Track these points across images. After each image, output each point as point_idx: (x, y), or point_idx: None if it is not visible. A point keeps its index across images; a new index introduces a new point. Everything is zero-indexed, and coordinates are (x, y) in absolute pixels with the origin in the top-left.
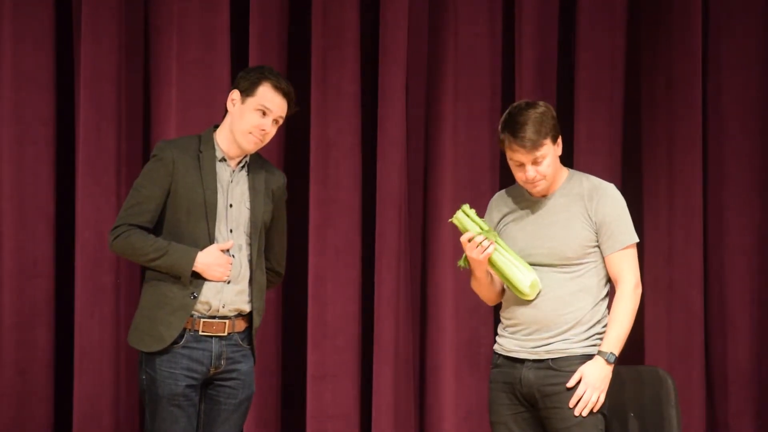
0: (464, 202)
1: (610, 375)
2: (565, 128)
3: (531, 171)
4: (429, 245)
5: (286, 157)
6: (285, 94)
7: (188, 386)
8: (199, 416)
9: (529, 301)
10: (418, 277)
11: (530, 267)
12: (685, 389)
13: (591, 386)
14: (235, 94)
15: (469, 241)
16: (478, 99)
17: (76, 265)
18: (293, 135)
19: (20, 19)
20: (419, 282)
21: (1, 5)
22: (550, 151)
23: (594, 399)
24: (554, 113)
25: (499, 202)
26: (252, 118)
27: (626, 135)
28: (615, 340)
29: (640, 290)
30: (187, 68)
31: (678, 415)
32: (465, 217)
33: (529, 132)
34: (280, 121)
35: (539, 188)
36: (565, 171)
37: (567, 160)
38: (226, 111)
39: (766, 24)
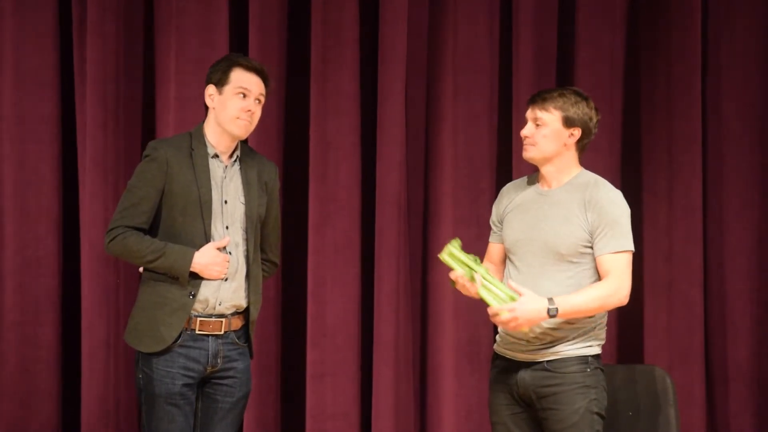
0: (455, 237)
1: (537, 322)
2: None
3: (528, 128)
4: (429, 244)
5: (286, 156)
6: (258, 72)
7: (185, 385)
8: (196, 415)
9: None
10: (418, 276)
11: (514, 298)
12: (684, 389)
13: (515, 314)
14: (210, 89)
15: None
16: (478, 98)
17: (83, 264)
18: (293, 134)
19: (22, 18)
20: (419, 281)
21: (3, 5)
22: (554, 123)
23: (505, 319)
24: (590, 112)
25: (510, 189)
26: (235, 103)
27: (626, 134)
28: (568, 305)
29: (621, 295)
30: (186, 66)
31: (677, 415)
32: (451, 257)
33: (545, 93)
34: (263, 100)
35: (527, 153)
36: (576, 169)
37: None
38: (206, 108)
39: (766, 24)
